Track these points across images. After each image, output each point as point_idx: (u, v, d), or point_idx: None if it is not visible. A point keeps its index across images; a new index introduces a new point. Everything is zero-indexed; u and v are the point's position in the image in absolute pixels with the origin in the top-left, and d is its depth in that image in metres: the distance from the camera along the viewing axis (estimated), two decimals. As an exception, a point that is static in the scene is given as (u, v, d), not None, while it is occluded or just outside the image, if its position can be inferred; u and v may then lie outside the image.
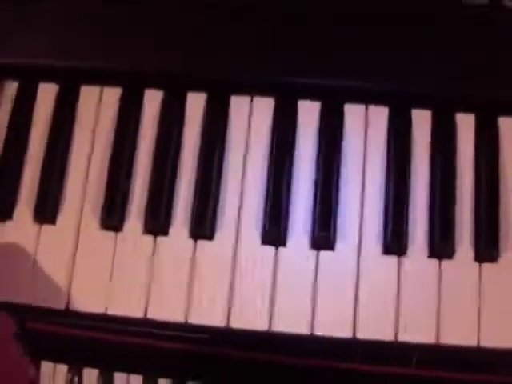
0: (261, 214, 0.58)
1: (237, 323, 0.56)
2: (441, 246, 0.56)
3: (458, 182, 0.58)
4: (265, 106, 0.60)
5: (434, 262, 0.57)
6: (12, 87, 0.63)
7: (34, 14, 0.62)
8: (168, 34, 0.61)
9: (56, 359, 0.67)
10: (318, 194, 0.58)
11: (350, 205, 0.58)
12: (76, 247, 0.58)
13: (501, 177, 0.58)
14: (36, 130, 0.61)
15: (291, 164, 0.59)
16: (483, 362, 0.59)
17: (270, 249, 0.57)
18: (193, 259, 0.57)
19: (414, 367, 0.59)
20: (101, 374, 0.66)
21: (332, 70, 0.59)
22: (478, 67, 0.59)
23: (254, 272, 0.57)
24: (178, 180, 0.59)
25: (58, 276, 0.57)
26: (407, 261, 0.57)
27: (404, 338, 0.55)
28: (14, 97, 0.62)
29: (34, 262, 0.58)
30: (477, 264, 0.56)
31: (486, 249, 0.56)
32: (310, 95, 0.60)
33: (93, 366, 0.62)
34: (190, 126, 0.60)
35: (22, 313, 0.58)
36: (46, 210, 0.59)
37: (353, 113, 0.60)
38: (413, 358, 0.58)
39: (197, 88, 0.61)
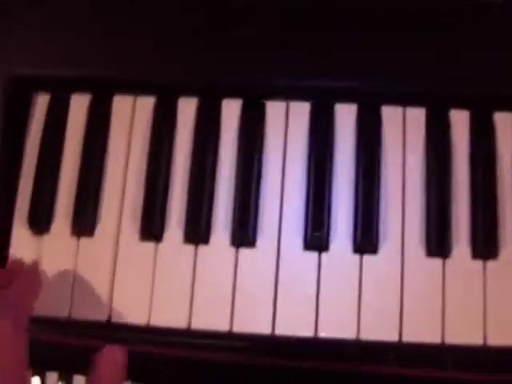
0: (302, 220, 0.58)
1: (282, 330, 0.56)
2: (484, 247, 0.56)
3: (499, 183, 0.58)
4: (301, 111, 0.60)
5: (479, 262, 0.56)
6: (43, 99, 0.62)
7: (63, 25, 0.62)
8: (201, 44, 0.60)
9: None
10: (360, 198, 0.57)
11: (391, 208, 0.58)
12: (115, 259, 0.58)
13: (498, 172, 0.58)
14: (70, 142, 0.61)
15: (331, 168, 0.58)
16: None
17: (313, 254, 0.57)
18: (235, 267, 0.57)
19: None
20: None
21: (368, 72, 0.59)
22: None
23: (297, 278, 0.57)
24: (216, 188, 0.59)
25: (99, 288, 0.57)
26: (451, 262, 0.56)
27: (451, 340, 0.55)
28: (45, 109, 0.62)
29: (74, 276, 0.57)
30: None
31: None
32: (346, 99, 0.60)
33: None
34: (226, 133, 0.60)
35: (63, 327, 0.57)
36: (84, 223, 0.58)
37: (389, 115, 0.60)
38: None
39: (231, 95, 0.60)
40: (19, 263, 0.58)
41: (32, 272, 0.58)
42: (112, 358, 0.50)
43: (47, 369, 0.60)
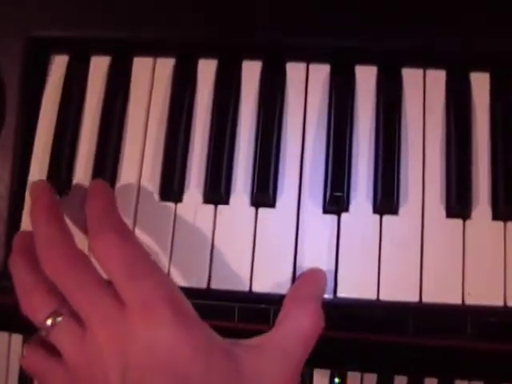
0: (322, 181, 0.57)
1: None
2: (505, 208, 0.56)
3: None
4: (321, 72, 0.60)
5: (499, 223, 0.56)
6: (62, 61, 0.62)
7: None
8: (221, 4, 0.60)
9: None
10: (380, 158, 0.57)
11: (412, 169, 0.57)
12: (135, 219, 0.58)
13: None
14: (89, 104, 0.61)
15: (351, 130, 0.58)
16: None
17: (333, 215, 0.57)
18: (254, 227, 0.57)
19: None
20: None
21: (390, 32, 0.58)
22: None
23: (316, 239, 0.56)
24: (236, 148, 0.59)
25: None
26: (471, 223, 0.56)
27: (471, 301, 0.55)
28: (64, 71, 0.61)
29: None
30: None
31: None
32: (366, 60, 0.59)
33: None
34: (246, 95, 0.60)
35: None
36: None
37: (410, 76, 0.59)
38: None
39: (252, 56, 0.60)
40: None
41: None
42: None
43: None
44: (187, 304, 0.48)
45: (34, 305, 0.49)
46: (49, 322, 0.48)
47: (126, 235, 0.50)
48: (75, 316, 0.48)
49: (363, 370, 0.73)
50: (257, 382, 0.47)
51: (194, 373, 0.45)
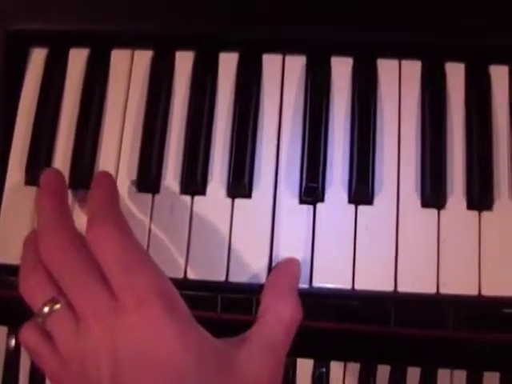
0: (298, 172, 0.58)
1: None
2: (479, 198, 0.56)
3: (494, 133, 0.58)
4: (297, 64, 0.60)
5: (474, 213, 0.57)
6: (41, 54, 0.62)
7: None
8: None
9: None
10: (355, 149, 0.57)
11: (387, 159, 0.58)
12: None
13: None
14: (68, 96, 0.61)
15: (327, 120, 0.58)
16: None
17: (308, 205, 0.57)
18: (231, 218, 0.57)
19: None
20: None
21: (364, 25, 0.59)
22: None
23: (292, 229, 0.57)
24: (213, 140, 0.59)
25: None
26: (446, 213, 0.57)
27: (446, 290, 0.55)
28: (43, 64, 0.62)
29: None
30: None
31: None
32: (342, 51, 0.60)
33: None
34: (223, 86, 0.60)
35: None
36: (82, 176, 0.59)
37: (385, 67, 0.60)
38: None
39: (229, 48, 0.61)
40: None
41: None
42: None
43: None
44: (180, 300, 0.49)
45: (33, 289, 0.49)
46: (46, 309, 0.48)
47: (123, 228, 0.50)
48: (72, 307, 0.48)
49: (346, 359, 0.73)
50: (246, 375, 0.48)
51: (185, 369, 0.45)
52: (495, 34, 0.58)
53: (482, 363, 0.71)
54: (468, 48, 0.59)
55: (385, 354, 0.73)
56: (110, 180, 0.54)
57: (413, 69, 0.59)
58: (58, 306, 0.48)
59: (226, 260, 0.56)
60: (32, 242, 0.51)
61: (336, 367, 0.71)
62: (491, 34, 0.58)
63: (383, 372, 0.73)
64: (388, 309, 0.57)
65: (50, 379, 0.50)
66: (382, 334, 0.64)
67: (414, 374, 0.74)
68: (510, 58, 0.59)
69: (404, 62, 0.59)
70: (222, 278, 0.56)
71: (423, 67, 0.59)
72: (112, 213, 0.51)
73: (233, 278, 0.56)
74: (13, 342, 0.69)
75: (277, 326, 0.51)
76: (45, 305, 0.48)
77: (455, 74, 0.59)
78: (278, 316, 0.51)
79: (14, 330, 0.68)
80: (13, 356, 0.69)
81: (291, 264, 0.55)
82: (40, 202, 0.52)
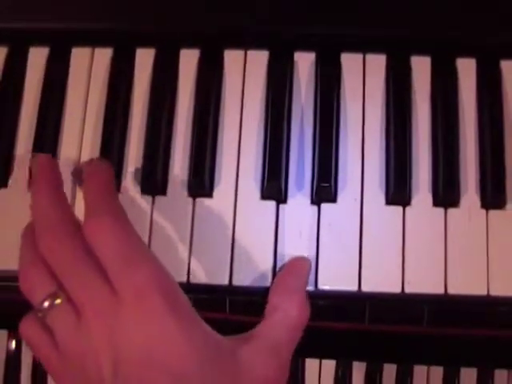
0: (260, 169, 0.57)
1: (238, 281, 0.55)
2: (445, 194, 0.55)
3: (461, 128, 0.57)
4: (259, 59, 0.59)
5: (440, 210, 0.55)
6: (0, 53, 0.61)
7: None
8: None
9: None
10: (318, 146, 0.56)
11: (351, 156, 0.57)
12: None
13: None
14: (28, 95, 0.60)
15: (289, 116, 0.57)
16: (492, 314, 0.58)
17: (271, 204, 0.56)
18: (192, 217, 0.56)
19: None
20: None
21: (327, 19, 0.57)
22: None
23: (254, 228, 0.56)
24: (173, 139, 0.58)
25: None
26: (411, 210, 0.55)
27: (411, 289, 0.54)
28: (2, 63, 0.61)
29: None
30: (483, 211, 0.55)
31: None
32: (306, 46, 0.59)
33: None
34: (184, 84, 0.59)
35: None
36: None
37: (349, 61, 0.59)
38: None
39: (188, 45, 0.59)
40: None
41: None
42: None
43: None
44: (182, 295, 0.47)
45: (33, 284, 0.48)
46: (46, 303, 0.47)
47: (122, 220, 0.48)
48: (72, 301, 0.46)
49: (322, 356, 0.73)
50: (251, 373, 0.47)
51: (188, 367, 0.44)
52: (461, 27, 0.57)
53: (459, 360, 0.71)
54: (434, 41, 0.58)
55: (360, 351, 0.73)
56: (105, 167, 0.52)
57: (378, 62, 0.58)
58: (58, 301, 0.47)
59: (187, 261, 0.55)
60: (30, 236, 0.49)
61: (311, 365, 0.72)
62: (456, 27, 0.57)
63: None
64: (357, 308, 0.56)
65: (50, 373, 0.49)
66: (356, 331, 0.64)
67: (389, 370, 0.74)
68: (478, 50, 0.58)
69: (368, 56, 0.58)
70: (184, 279, 0.55)
71: (388, 61, 0.58)
72: (109, 204, 0.49)
73: (194, 280, 0.55)
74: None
75: (283, 326, 0.50)
76: (45, 300, 0.47)
77: (421, 68, 0.58)
78: (286, 315, 0.50)
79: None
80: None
81: (300, 263, 0.54)
82: (35, 194, 0.50)
